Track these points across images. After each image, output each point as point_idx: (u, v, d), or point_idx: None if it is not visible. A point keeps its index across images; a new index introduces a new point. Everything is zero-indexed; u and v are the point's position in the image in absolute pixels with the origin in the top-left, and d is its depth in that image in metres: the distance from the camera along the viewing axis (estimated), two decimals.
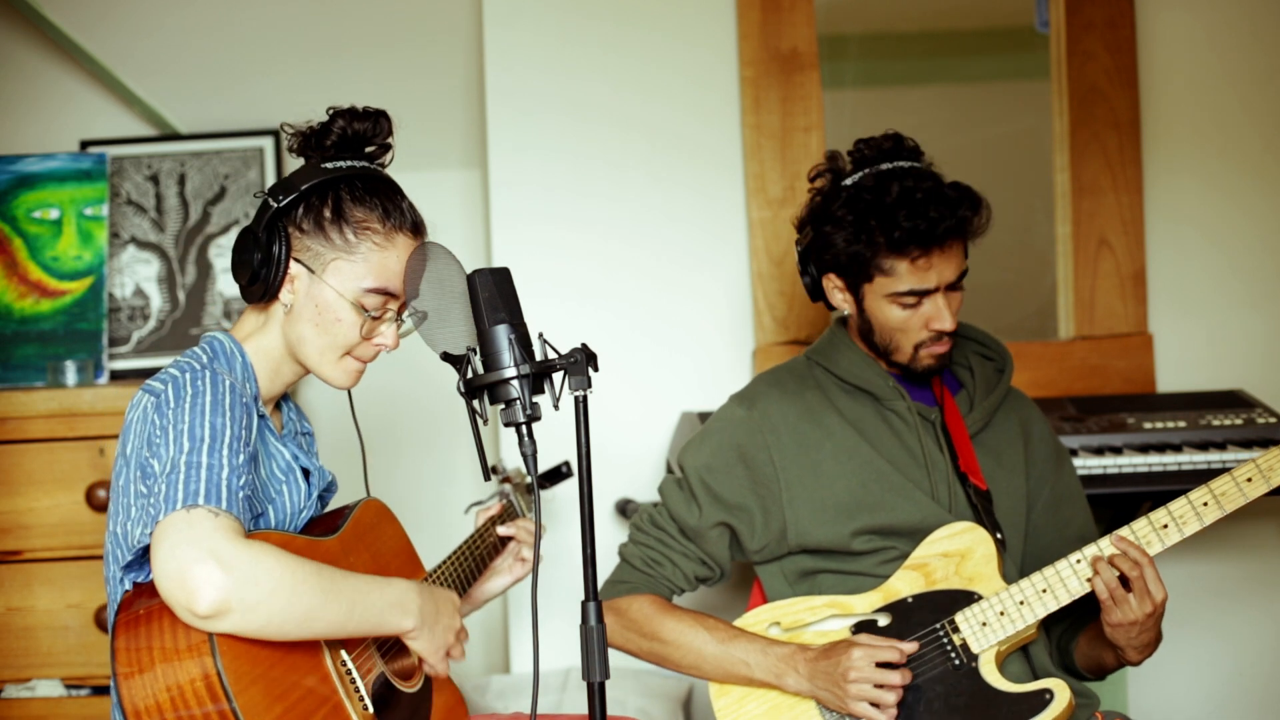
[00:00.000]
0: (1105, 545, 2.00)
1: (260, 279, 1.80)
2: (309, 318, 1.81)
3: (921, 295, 2.11)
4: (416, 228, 1.86)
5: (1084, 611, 2.14)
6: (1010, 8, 3.20)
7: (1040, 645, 2.11)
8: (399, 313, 1.86)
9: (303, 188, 1.80)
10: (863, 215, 2.10)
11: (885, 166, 2.12)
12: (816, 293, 2.24)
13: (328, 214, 1.80)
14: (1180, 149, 3.06)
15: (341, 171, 1.82)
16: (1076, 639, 2.18)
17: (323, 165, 1.82)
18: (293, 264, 1.81)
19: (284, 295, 1.82)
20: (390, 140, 1.89)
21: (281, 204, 1.80)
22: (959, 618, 2.04)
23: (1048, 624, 2.16)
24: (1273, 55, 3.07)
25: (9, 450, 2.72)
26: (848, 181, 2.15)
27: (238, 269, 1.83)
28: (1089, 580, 1.99)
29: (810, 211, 2.21)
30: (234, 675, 1.58)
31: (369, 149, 1.87)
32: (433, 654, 1.80)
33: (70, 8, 2.96)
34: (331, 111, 1.85)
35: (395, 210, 1.83)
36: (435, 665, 1.83)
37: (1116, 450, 2.63)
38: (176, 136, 3.23)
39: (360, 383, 1.89)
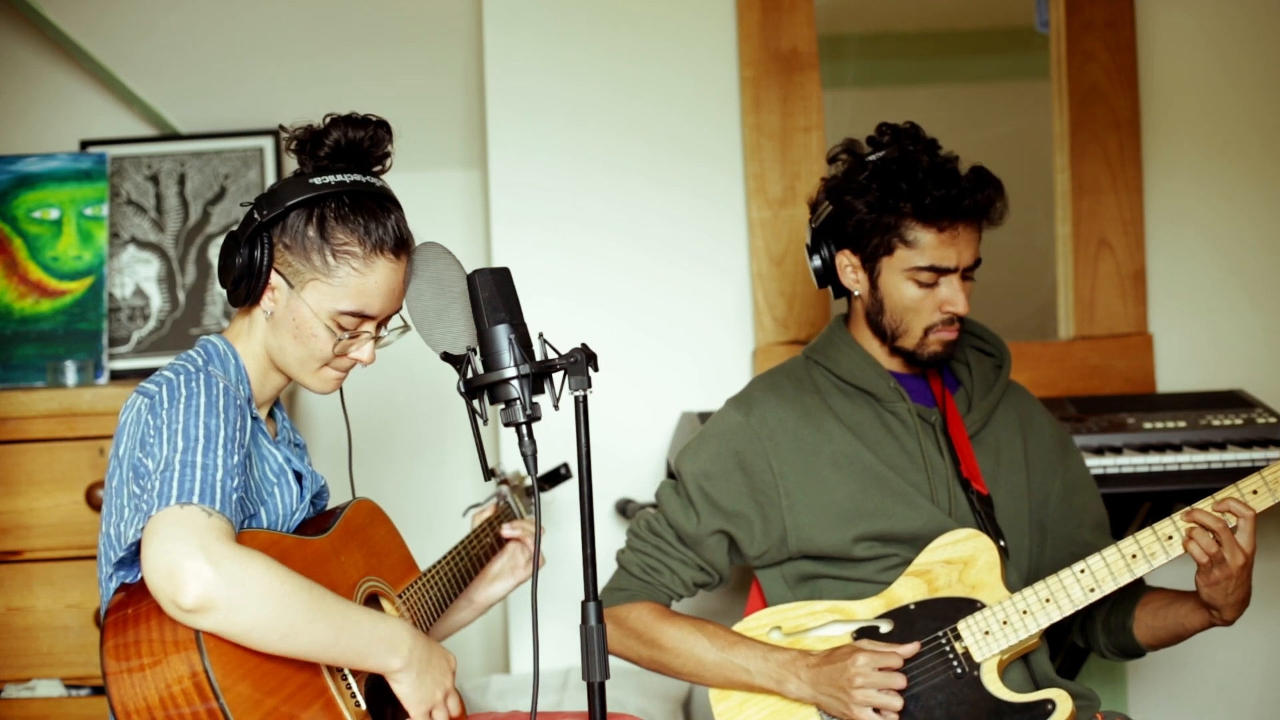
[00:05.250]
0: (1109, 553, 1.99)
1: (242, 285, 1.81)
2: (288, 328, 1.82)
3: (940, 274, 2.08)
4: (400, 246, 1.83)
5: (1128, 590, 2.11)
6: (1010, 8, 3.20)
7: (1042, 653, 2.10)
8: (378, 328, 1.86)
9: (288, 204, 1.79)
10: (890, 182, 2.07)
11: (910, 147, 2.10)
12: (825, 277, 2.19)
13: (310, 233, 1.79)
14: (1180, 149, 3.05)
15: (329, 188, 1.80)
16: (1133, 614, 2.13)
17: (311, 180, 1.80)
18: (274, 275, 1.81)
19: (265, 302, 1.83)
20: (389, 149, 1.86)
21: (266, 219, 1.79)
22: (961, 626, 2.03)
23: (1089, 608, 2.14)
24: (1273, 56, 3.07)
25: (9, 450, 2.72)
26: (872, 157, 2.12)
27: (222, 273, 1.85)
28: (1185, 544, 1.96)
29: (830, 185, 2.17)
30: (221, 672, 1.58)
31: (365, 159, 1.85)
32: (416, 704, 1.75)
33: (70, 8, 2.95)
34: (329, 118, 1.83)
35: (379, 228, 1.80)
36: (416, 718, 1.77)
37: (1116, 450, 2.63)
38: (176, 136, 3.22)
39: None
